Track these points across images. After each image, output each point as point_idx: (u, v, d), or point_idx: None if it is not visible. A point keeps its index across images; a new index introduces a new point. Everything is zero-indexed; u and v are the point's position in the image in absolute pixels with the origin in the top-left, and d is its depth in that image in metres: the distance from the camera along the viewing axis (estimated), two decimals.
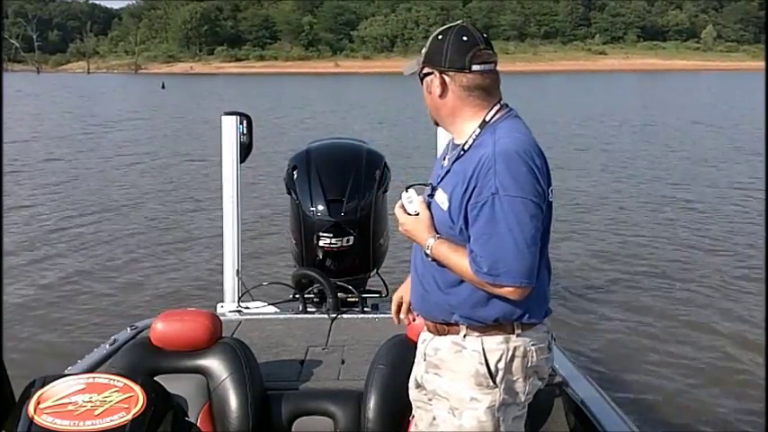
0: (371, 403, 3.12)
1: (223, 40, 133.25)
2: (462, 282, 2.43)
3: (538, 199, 2.32)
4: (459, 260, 2.37)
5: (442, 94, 2.46)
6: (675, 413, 5.63)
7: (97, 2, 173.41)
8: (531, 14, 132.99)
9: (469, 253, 2.35)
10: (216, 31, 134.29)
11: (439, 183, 2.51)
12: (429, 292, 2.53)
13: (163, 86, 62.77)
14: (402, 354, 3.07)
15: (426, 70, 2.47)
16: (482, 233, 2.31)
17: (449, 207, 2.41)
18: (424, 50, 2.47)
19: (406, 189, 2.56)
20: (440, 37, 2.44)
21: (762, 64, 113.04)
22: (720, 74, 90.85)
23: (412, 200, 2.52)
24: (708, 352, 6.78)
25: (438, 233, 2.46)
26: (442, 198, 2.44)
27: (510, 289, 2.33)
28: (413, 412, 2.86)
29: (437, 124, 2.62)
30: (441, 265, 2.46)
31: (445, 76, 2.44)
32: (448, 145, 2.63)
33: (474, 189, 2.33)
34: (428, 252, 2.45)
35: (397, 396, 2.93)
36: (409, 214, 2.52)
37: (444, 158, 2.59)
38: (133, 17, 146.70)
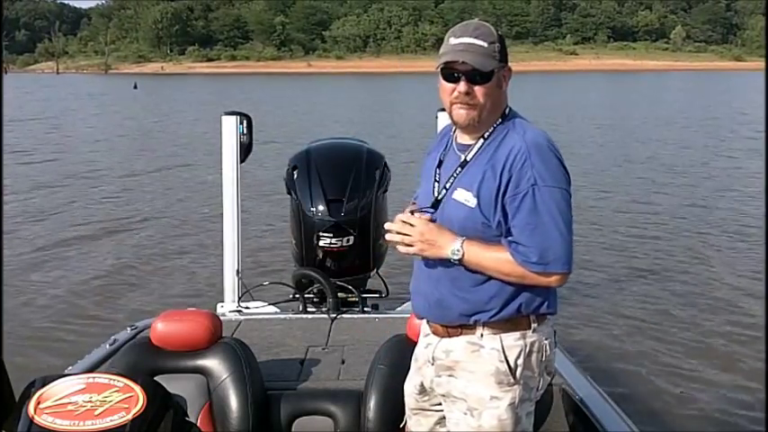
0: (371, 403, 3.10)
1: (194, 40, 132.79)
2: (488, 279, 2.42)
3: (569, 188, 2.39)
4: (498, 254, 2.36)
5: (504, 87, 2.49)
6: (676, 413, 5.65)
7: (65, 1, 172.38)
8: (503, 15, 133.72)
9: (510, 245, 2.35)
10: (187, 31, 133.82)
11: (454, 182, 2.48)
12: (446, 296, 2.50)
13: (135, 87, 62.38)
14: (402, 354, 3.04)
15: (500, 65, 2.44)
16: (526, 224, 2.32)
17: (478, 203, 2.39)
18: (494, 45, 2.41)
19: (411, 213, 2.50)
20: (499, 32, 2.46)
21: (729, 64, 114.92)
22: (690, 73, 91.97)
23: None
24: (709, 351, 6.80)
25: (461, 233, 2.42)
26: (465, 196, 2.42)
27: (557, 276, 2.37)
28: (405, 419, 2.83)
29: (453, 121, 2.51)
30: (466, 267, 2.42)
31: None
32: (445, 143, 2.62)
33: (509, 182, 2.34)
34: (458, 254, 2.37)
35: (397, 396, 2.90)
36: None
37: (442, 156, 2.58)
38: (103, 17, 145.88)
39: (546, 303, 2.48)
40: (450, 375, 2.53)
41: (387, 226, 2.48)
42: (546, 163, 2.35)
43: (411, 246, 2.42)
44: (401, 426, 2.91)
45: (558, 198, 2.34)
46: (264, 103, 41.39)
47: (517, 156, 2.34)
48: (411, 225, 2.42)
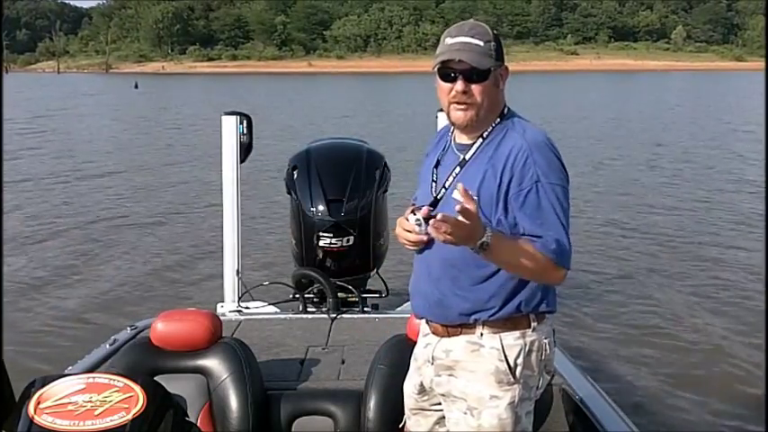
0: (371, 403, 3.11)
1: (195, 39, 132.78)
2: (489, 278, 2.43)
3: (568, 186, 2.42)
4: (522, 243, 2.32)
5: (501, 86, 2.51)
6: (675, 413, 5.65)
7: (66, 1, 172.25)
8: (504, 15, 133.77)
9: (529, 237, 2.34)
10: (188, 31, 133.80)
11: (453, 181, 2.48)
12: (447, 295, 2.51)
13: (136, 86, 62.28)
14: (402, 354, 3.04)
15: (497, 64, 2.45)
16: (534, 219, 2.34)
17: (478, 202, 2.36)
18: (490, 44, 2.42)
19: (413, 212, 2.49)
20: (494, 32, 2.48)
21: (730, 64, 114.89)
22: (690, 74, 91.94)
23: (421, 222, 2.47)
24: (709, 352, 6.81)
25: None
26: None
27: (563, 272, 2.37)
28: (405, 419, 2.84)
29: (452, 122, 2.54)
30: (466, 265, 2.42)
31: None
32: (443, 144, 2.63)
33: (510, 180, 2.36)
34: (487, 243, 2.25)
35: (397, 396, 2.90)
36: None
37: (440, 157, 2.59)
38: (104, 16, 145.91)
39: (545, 302, 2.49)
40: (449, 375, 2.54)
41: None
42: (547, 160, 2.37)
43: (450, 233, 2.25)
44: (401, 426, 2.91)
45: (561, 195, 2.37)
46: (265, 102, 41.36)
47: (518, 154, 2.36)
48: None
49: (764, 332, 6.88)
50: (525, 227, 2.35)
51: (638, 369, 6.41)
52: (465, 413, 2.50)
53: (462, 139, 2.53)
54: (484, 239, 2.27)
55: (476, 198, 2.37)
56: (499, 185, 2.37)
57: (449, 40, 2.43)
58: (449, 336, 2.54)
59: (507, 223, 2.38)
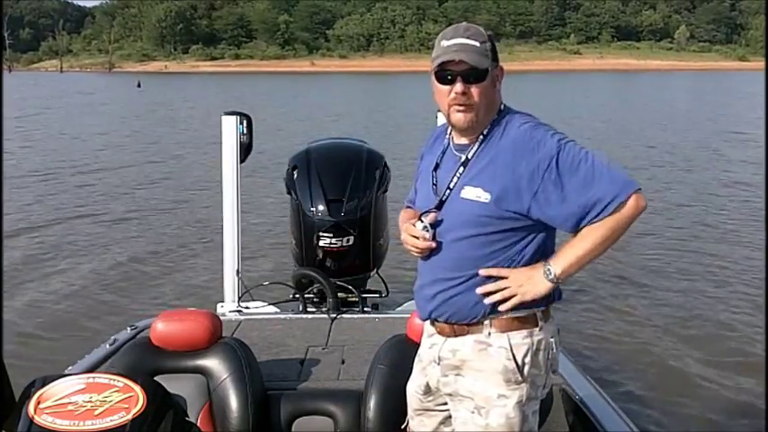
0: (371, 403, 3.11)
1: (198, 38, 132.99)
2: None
3: None
4: (582, 241, 2.39)
5: (498, 86, 2.52)
6: (676, 413, 5.64)
7: (69, 0, 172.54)
8: (507, 14, 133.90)
9: (586, 209, 2.35)
10: (191, 30, 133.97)
11: (457, 182, 2.47)
12: (454, 295, 2.49)
13: (139, 85, 62.36)
14: (402, 354, 3.06)
15: (493, 64, 2.46)
16: (578, 181, 2.33)
17: (492, 198, 2.38)
18: (486, 44, 2.43)
19: (420, 219, 2.51)
20: (489, 33, 2.48)
21: (733, 64, 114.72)
22: (693, 73, 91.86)
23: (428, 228, 2.48)
24: (709, 351, 6.79)
25: (470, 230, 2.43)
26: (475, 192, 2.41)
27: (634, 196, 2.34)
28: (407, 420, 2.83)
29: (452, 124, 2.52)
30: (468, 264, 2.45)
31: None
32: (441, 146, 2.62)
33: (528, 166, 2.35)
34: (551, 273, 2.40)
35: (397, 396, 2.90)
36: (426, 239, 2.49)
37: (438, 159, 2.58)
38: (107, 15, 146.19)
39: (552, 295, 2.49)
40: (456, 374, 2.53)
41: (492, 287, 2.45)
42: (550, 131, 2.40)
43: (513, 296, 2.42)
44: (402, 426, 2.90)
45: (579, 147, 2.39)
46: (267, 102, 41.35)
47: (525, 140, 2.38)
48: (504, 277, 2.43)
49: (764, 330, 6.89)
50: (574, 198, 2.35)
51: (638, 369, 6.41)
52: (473, 412, 2.49)
53: (462, 140, 2.52)
54: (545, 270, 2.41)
55: (489, 196, 2.39)
56: (513, 174, 2.36)
57: (445, 43, 2.42)
58: (455, 335, 2.53)
59: (539, 207, 2.37)
